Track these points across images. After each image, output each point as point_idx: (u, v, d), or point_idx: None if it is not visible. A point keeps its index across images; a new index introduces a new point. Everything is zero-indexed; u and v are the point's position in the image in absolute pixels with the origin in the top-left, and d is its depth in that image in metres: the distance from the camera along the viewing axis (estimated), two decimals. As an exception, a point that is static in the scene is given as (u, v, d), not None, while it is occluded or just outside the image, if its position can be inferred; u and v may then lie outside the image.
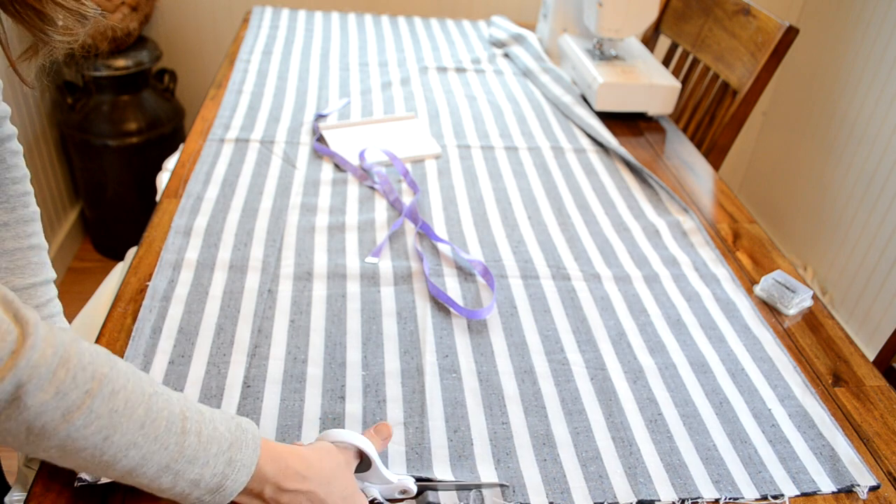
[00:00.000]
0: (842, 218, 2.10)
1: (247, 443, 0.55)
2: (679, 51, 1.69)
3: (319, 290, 0.90)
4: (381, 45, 1.65)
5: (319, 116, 1.30)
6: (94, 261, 2.25)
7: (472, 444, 0.71)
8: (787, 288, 0.95)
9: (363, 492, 0.64)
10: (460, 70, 1.57)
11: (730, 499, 0.69)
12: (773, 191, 2.47)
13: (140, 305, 0.84)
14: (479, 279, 0.95)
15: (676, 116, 1.63)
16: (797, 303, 0.94)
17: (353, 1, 2.14)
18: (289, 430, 0.71)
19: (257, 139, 1.21)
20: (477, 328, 0.87)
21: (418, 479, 0.66)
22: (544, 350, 0.84)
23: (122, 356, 0.77)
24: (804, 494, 0.70)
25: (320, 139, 1.24)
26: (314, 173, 1.14)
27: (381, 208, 1.07)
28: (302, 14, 1.77)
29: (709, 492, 0.69)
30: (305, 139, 1.24)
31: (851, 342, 0.91)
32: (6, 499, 0.88)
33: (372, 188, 1.12)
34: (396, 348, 0.82)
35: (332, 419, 0.73)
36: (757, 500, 0.69)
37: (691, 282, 0.98)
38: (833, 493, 0.70)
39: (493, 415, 0.75)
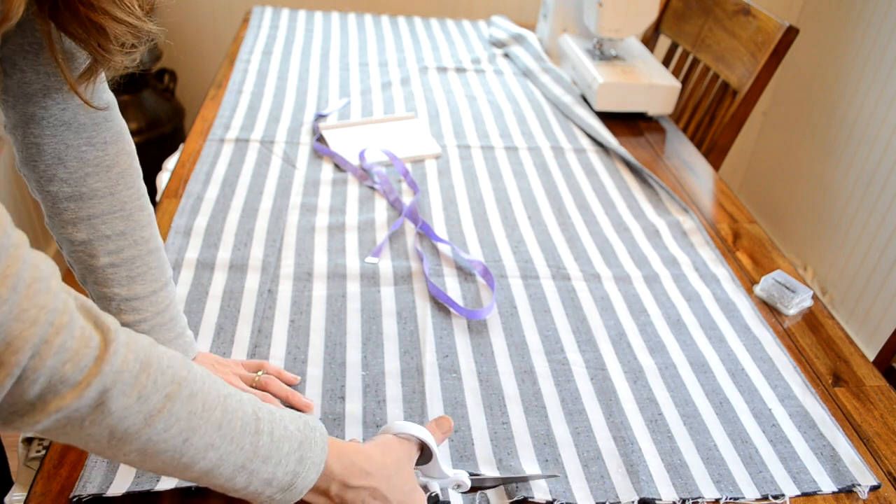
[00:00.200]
0: (842, 218, 2.10)
1: (315, 441, 0.55)
2: (679, 51, 1.69)
3: (319, 290, 0.90)
4: (381, 45, 1.65)
5: (319, 116, 1.30)
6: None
7: (472, 445, 0.71)
8: (787, 288, 0.95)
9: (423, 486, 0.64)
10: (460, 70, 1.57)
11: (730, 498, 0.69)
12: (773, 191, 2.47)
13: (140, 305, 0.84)
14: (479, 279, 0.95)
15: (676, 116, 1.63)
16: (797, 303, 0.94)
17: (353, 1, 2.14)
18: (289, 430, 0.71)
19: (257, 139, 1.21)
20: (477, 328, 0.87)
21: (470, 474, 0.67)
22: (544, 350, 0.84)
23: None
24: (805, 494, 0.70)
25: (320, 139, 1.24)
26: (314, 173, 1.14)
27: (381, 208, 1.07)
28: (302, 14, 1.77)
29: (710, 491, 0.69)
30: (305, 139, 1.23)
31: (851, 342, 0.91)
32: (6, 498, 0.88)
33: (372, 188, 1.12)
34: (396, 348, 0.82)
35: (332, 419, 0.73)
36: (757, 499, 0.69)
37: (691, 282, 0.98)
38: (833, 492, 0.70)
39: (494, 415, 0.75)
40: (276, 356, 0.80)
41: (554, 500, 0.66)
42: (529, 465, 0.70)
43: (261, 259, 0.94)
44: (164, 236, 0.95)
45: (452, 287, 0.93)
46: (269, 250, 0.96)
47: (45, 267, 0.42)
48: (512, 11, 2.17)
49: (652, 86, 1.41)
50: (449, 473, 0.65)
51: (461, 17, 2.05)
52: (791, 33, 1.36)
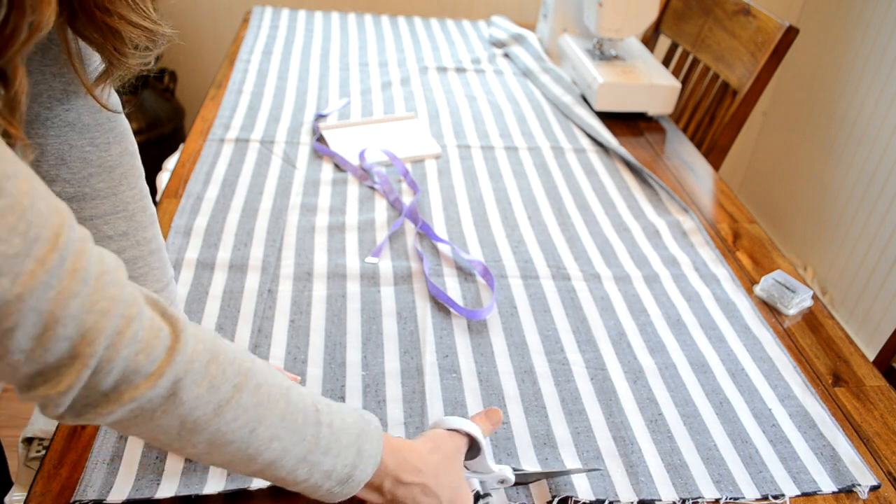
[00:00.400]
0: (842, 218, 2.10)
1: (371, 434, 0.56)
2: (679, 51, 1.69)
3: (319, 290, 0.90)
4: (381, 45, 1.65)
5: (319, 116, 1.30)
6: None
7: (472, 444, 0.71)
8: (787, 288, 0.95)
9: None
10: (460, 70, 1.57)
11: (730, 498, 0.69)
12: (773, 191, 2.47)
13: (140, 305, 0.84)
14: (479, 279, 0.95)
15: (676, 116, 1.63)
16: (797, 303, 0.94)
17: (353, 1, 2.14)
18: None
19: (257, 139, 1.21)
20: (477, 328, 0.87)
21: (514, 470, 0.67)
22: (544, 350, 0.84)
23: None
24: (805, 494, 0.70)
25: (320, 139, 1.24)
26: (314, 173, 1.14)
27: (381, 208, 1.07)
28: (302, 14, 1.77)
29: (710, 491, 0.69)
30: (305, 139, 1.23)
31: (851, 342, 0.91)
32: (6, 498, 0.88)
33: (372, 188, 1.12)
34: (396, 348, 0.82)
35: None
36: (758, 499, 0.69)
37: (691, 282, 0.98)
38: (833, 492, 0.70)
39: (494, 415, 0.75)
40: (276, 356, 0.80)
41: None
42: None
43: (261, 259, 0.94)
44: (165, 236, 0.95)
45: (452, 287, 0.93)
46: (269, 250, 0.96)
47: (110, 260, 0.43)
48: (512, 11, 2.17)
49: (652, 86, 1.41)
50: (494, 469, 0.66)
51: (461, 17, 2.05)
52: (791, 33, 1.36)
